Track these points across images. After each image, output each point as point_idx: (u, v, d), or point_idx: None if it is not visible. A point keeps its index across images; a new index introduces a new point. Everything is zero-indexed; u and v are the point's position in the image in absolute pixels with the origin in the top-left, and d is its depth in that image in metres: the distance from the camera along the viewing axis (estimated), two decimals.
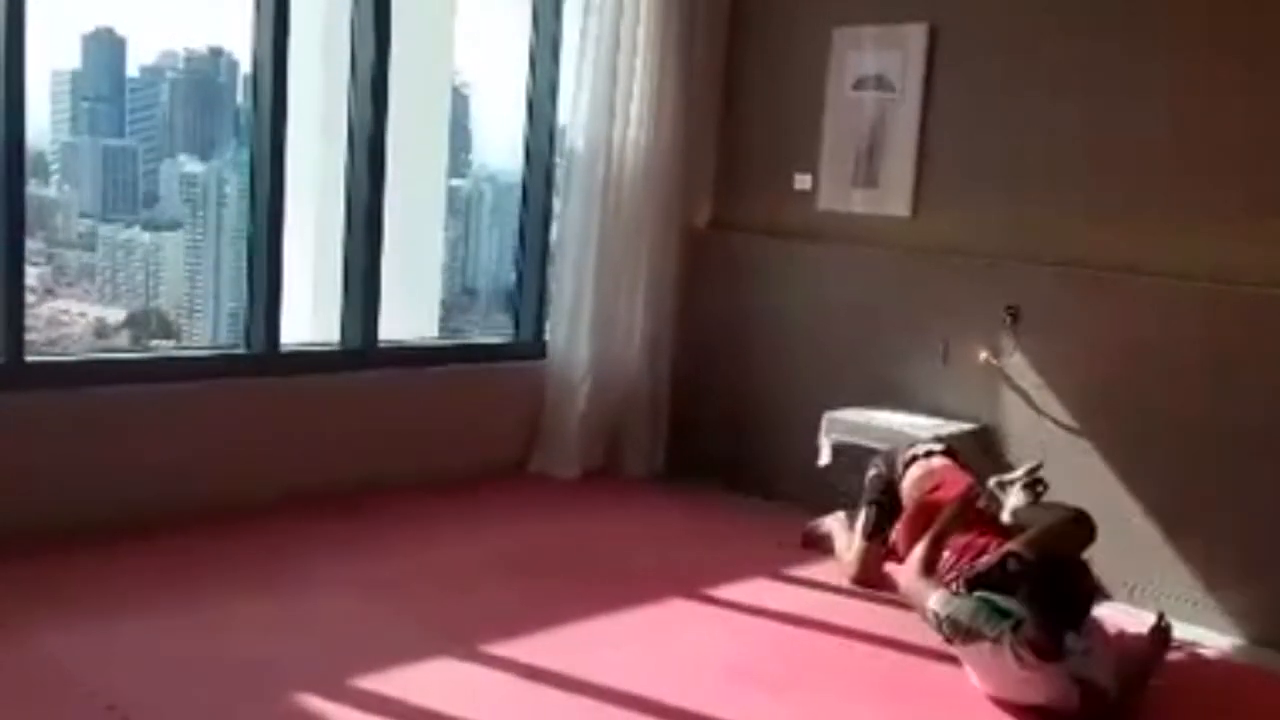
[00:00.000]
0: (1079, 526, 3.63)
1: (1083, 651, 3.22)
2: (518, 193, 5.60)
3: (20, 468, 3.92)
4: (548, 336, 5.46)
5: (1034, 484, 3.93)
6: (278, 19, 4.44)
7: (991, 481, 4.06)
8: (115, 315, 5.43)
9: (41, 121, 5.22)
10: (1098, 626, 3.45)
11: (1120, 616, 3.92)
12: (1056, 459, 4.24)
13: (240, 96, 5.19)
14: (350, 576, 3.97)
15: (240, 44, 4.71)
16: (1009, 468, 4.49)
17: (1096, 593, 3.47)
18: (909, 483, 4.14)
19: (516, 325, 5.61)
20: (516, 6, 5.44)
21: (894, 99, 4.99)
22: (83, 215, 5.50)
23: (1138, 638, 3.59)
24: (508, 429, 5.36)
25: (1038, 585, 3.29)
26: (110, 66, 5.45)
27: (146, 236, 5.54)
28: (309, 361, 4.81)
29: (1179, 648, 3.68)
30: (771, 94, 5.46)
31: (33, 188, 4.77)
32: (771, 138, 5.46)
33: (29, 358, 4.07)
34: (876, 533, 4.20)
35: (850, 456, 4.63)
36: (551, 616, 3.75)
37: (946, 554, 3.75)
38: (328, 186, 5.13)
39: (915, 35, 4.89)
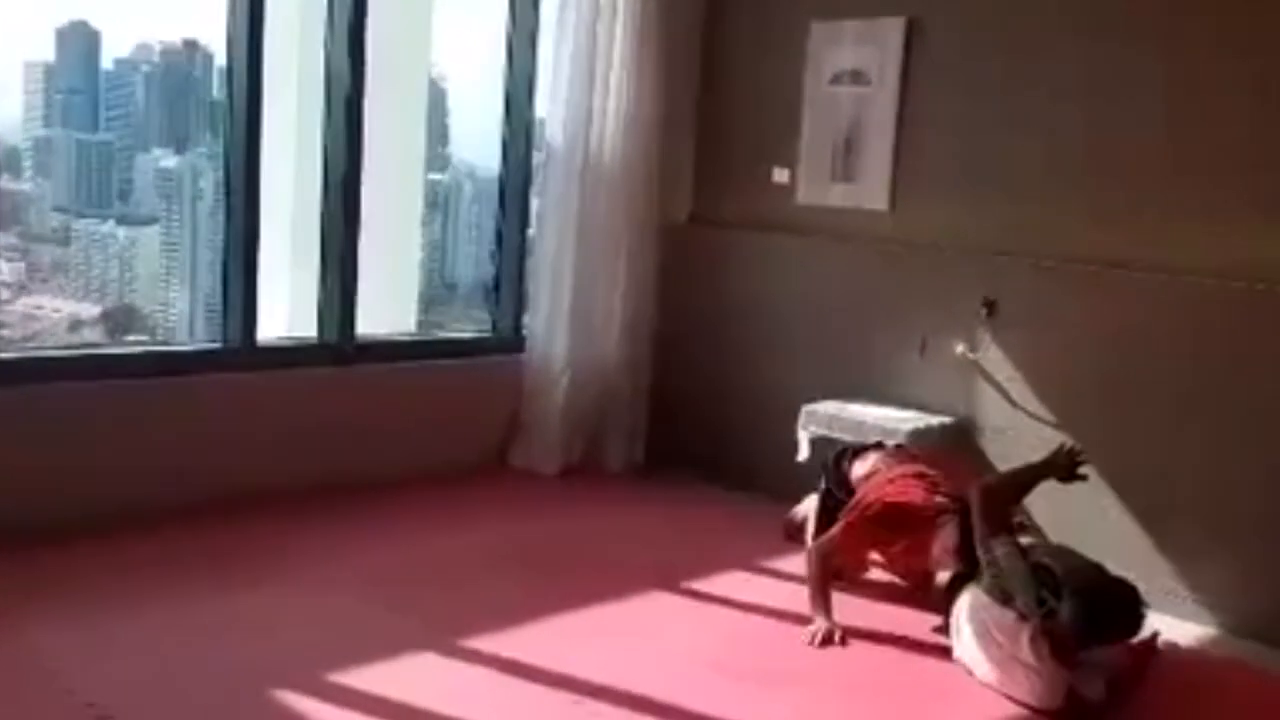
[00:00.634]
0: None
1: (1090, 665, 3.23)
2: (496, 187, 5.59)
3: None
4: (526, 331, 5.45)
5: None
6: (252, 11, 4.41)
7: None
8: (90, 311, 5.39)
9: (14, 115, 5.18)
10: None
11: None
12: (1033, 452, 4.25)
13: (216, 89, 5.16)
14: (328, 574, 3.96)
15: (215, 37, 4.68)
16: (988, 462, 4.53)
17: (1136, 629, 3.39)
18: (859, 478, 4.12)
19: (495, 320, 5.60)
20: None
21: (872, 93, 5.00)
22: (56, 210, 5.45)
23: (1126, 647, 3.59)
24: (487, 424, 5.35)
25: (1093, 591, 3.28)
26: (84, 59, 5.40)
27: (121, 231, 5.49)
28: (286, 357, 4.78)
29: (1154, 637, 3.69)
30: (750, 88, 5.47)
31: (5, 182, 4.74)
32: (750, 132, 5.46)
33: (2, 354, 4.04)
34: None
35: (827, 450, 4.65)
36: (532, 611, 3.74)
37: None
38: (304, 180, 5.11)
39: (893, 29, 4.90)
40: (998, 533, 3.49)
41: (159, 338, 5.38)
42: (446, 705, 3.10)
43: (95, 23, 5.33)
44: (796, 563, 4.33)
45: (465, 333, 5.83)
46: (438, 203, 6.36)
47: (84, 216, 5.49)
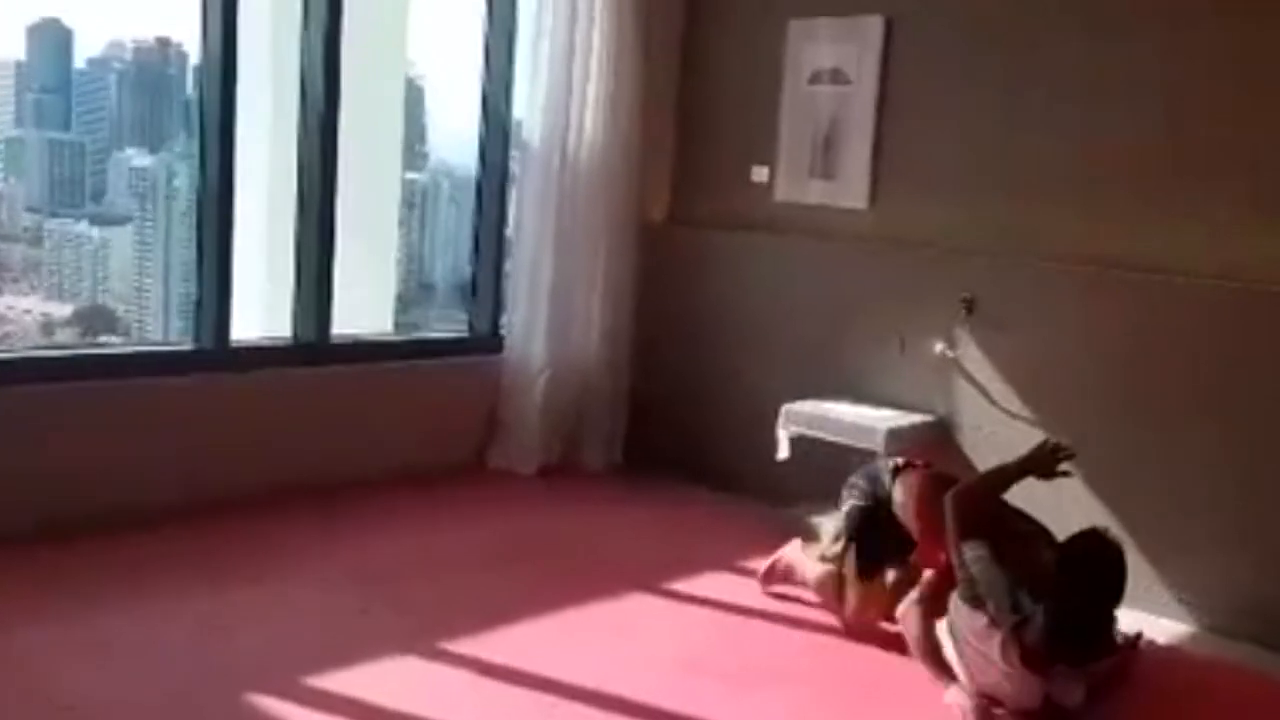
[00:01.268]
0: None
1: (1064, 676, 3.21)
2: (474, 186, 5.56)
3: None
4: (505, 331, 5.43)
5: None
6: (226, 9, 4.37)
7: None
8: (62, 311, 5.34)
9: None
10: None
11: None
12: (1010, 450, 4.25)
13: (190, 88, 5.11)
14: (304, 575, 3.93)
15: (189, 35, 4.64)
16: (967, 459, 4.53)
17: (1107, 654, 3.33)
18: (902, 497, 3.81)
19: (473, 320, 5.57)
20: None
21: (850, 91, 4.99)
22: (29, 210, 5.41)
23: None
24: (464, 424, 5.32)
25: (1064, 614, 3.16)
26: (56, 58, 5.37)
27: (95, 231, 5.45)
28: (260, 357, 4.73)
29: (1138, 637, 3.70)
30: (728, 87, 5.46)
31: None
32: (729, 130, 5.45)
33: None
34: (875, 570, 3.78)
35: (807, 449, 4.64)
36: (509, 612, 3.72)
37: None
38: (279, 179, 5.07)
39: (871, 28, 4.90)
40: (969, 537, 3.41)
41: (132, 338, 5.33)
42: (423, 708, 3.07)
43: (67, 21, 5.30)
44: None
45: (443, 333, 5.80)
46: (415, 202, 6.33)
47: (57, 216, 5.44)
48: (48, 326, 5.29)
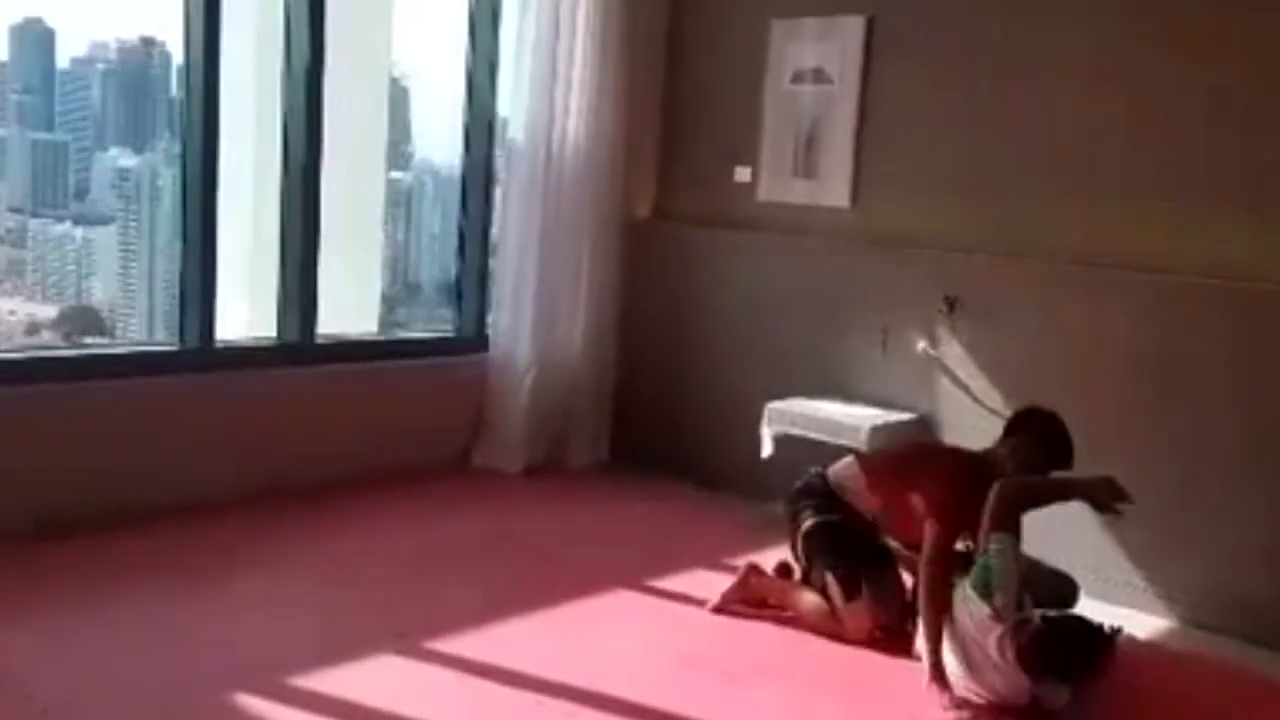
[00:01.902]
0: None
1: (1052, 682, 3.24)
2: (459, 185, 5.56)
3: None
4: (490, 330, 5.43)
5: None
6: (210, 8, 4.37)
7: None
8: (46, 312, 5.33)
9: None
10: None
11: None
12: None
13: (174, 88, 5.10)
14: (289, 575, 3.93)
15: (173, 35, 4.63)
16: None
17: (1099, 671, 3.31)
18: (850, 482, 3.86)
19: (458, 319, 5.57)
20: None
21: (832, 91, 5.01)
22: (12, 210, 5.38)
23: None
24: (450, 423, 5.33)
25: (1058, 629, 3.26)
26: (39, 58, 5.34)
27: (79, 231, 5.43)
28: (245, 357, 4.74)
29: (1118, 631, 3.71)
30: (712, 86, 5.48)
31: None
32: (712, 129, 5.47)
33: None
34: (854, 588, 3.71)
35: (792, 447, 4.66)
36: (497, 610, 3.73)
37: None
38: (263, 179, 5.06)
39: (853, 28, 4.92)
40: (1001, 529, 3.40)
41: (117, 339, 5.32)
42: (406, 707, 3.08)
43: (50, 21, 5.27)
44: (763, 560, 4.32)
45: (428, 332, 5.81)
46: (400, 201, 6.33)
47: (40, 217, 5.42)
48: (32, 327, 5.27)
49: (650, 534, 4.71)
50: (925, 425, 4.67)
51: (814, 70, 5.07)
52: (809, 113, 5.09)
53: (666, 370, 5.53)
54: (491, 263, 5.48)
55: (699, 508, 5.02)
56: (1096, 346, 4.26)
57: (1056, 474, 3.64)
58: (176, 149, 4.69)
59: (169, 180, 5.19)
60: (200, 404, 4.47)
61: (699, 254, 5.42)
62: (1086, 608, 3.73)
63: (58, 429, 4.10)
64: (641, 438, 5.56)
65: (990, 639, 3.26)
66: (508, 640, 3.54)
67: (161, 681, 3.11)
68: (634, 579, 4.11)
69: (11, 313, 5.25)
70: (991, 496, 3.49)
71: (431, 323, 6.04)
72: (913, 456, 4.01)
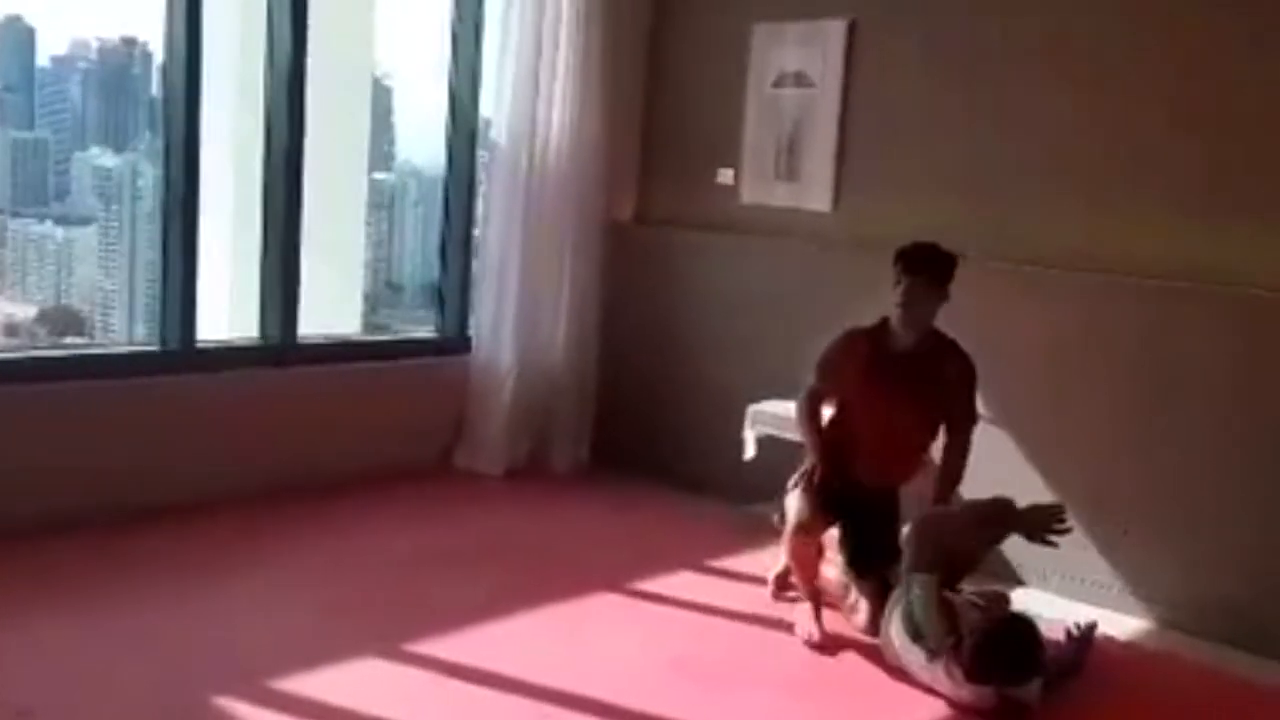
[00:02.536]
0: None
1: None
2: (442, 187, 5.56)
3: None
4: (472, 331, 5.43)
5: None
6: (191, 8, 4.35)
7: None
8: (26, 312, 5.30)
9: None
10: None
11: (1042, 609, 3.96)
12: (975, 449, 4.31)
13: (155, 87, 5.09)
14: (271, 578, 3.92)
15: (154, 34, 4.61)
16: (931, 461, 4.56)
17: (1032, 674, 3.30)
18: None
19: (441, 320, 5.56)
20: None
21: (814, 95, 5.03)
22: None
23: (1060, 643, 3.62)
24: (432, 425, 5.32)
25: (989, 637, 3.25)
26: (19, 56, 5.32)
27: (59, 231, 5.41)
28: (226, 358, 4.71)
29: (1092, 628, 3.74)
30: (694, 88, 5.49)
31: None
32: (694, 132, 5.48)
33: None
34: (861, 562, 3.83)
35: (774, 449, 4.66)
36: (477, 613, 3.73)
37: None
38: (245, 179, 5.05)
39: (834, 31, 4.93)
40: (920, 569, 3.42)
41: (97, 339, 5.29)
42: (387, 710, 3.07)
43: (30, 19, 5.25)
44: (746, 562, 4.35)
45: (410, 334, 5.80)
46: (383, 203, 6.32)
47: (20, 216, 5.40)
48: (11, 327, 5.25)
49: (633, 536, 4.71)
50: None
51: (796, 74, 5.09)
52: (791, 116, 5.11)
53: (648, 373, 5.53)
54: (474, 264, 5.47)
55: (681, 510, 5.02)
56: (1083, 350, 4.28)
57: (981, 504, 3.61)
58: (157, 148, 4.67)
59: (150, 180, 5.17)
60: (180, 405, 4.45)
61: (681, 256, 5.43)
62: (1068, 611, 3.74)
63: (34, 430, 4.08)
64: (623, 440, 5.56)
65: (938, 674, 3.30)
66: (491, 643, 3.54)
67: (141, 682, 3.10)
68: (617, 581, 4.11)
69: None
70: (909, 535, 3.54)
71: (414, 324, 6.04)
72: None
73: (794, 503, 3.81)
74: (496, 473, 5.30)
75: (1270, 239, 3.93)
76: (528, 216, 5.28)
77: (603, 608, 3.94)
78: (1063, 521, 3.53)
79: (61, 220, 5.42)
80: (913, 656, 3.39)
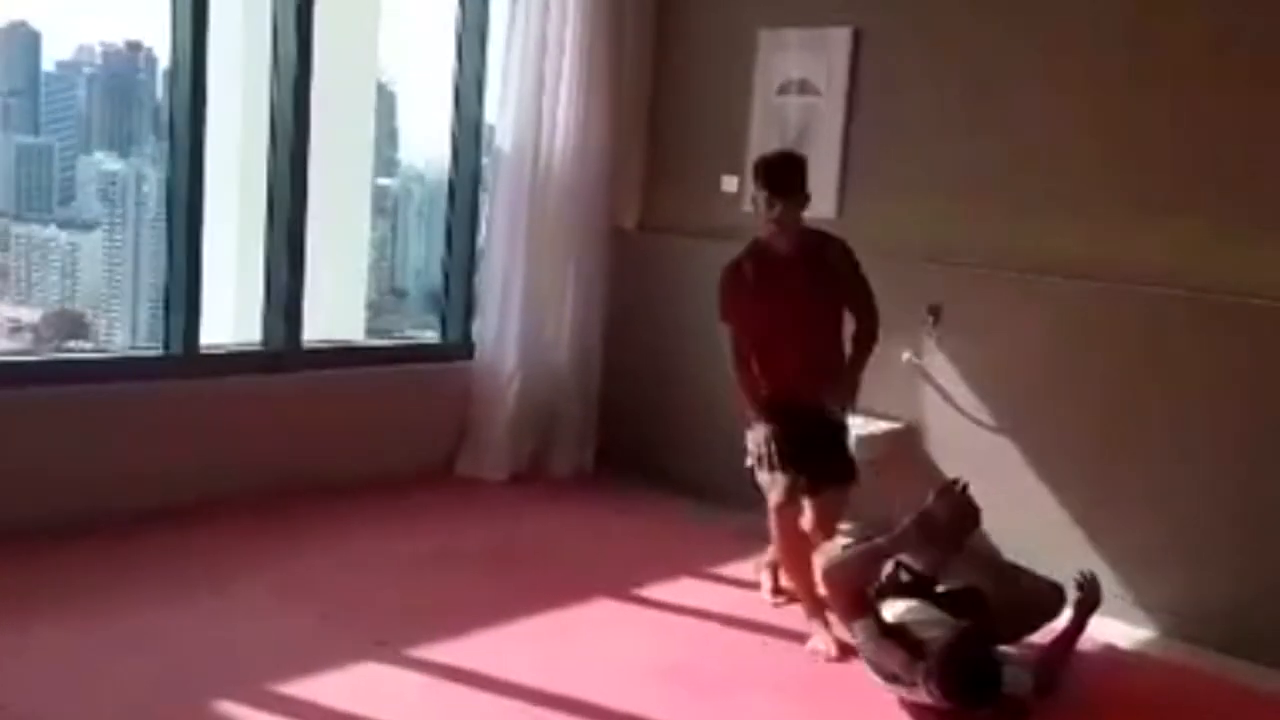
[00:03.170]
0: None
1: (1014, 669, 3.25)
2: (446, 192, 5.56)
3: None
4: (476, 337, 5.43)
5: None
6: (197, 13, 4.36)
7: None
8: (30, 316, 5.31)
9: None
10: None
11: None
12: (978, 456, 4.33)
13: (160, 92, 5.09)
14: (271, 581, 3.92)
15: (160, 38, 4.62)
16: (934, 466, 4.56)
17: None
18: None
19: (444, 326, 5.57)
20: (443, 1, 5.40)
21: (818, 102, 5.03)
22: None
23: (1045, 644, 3.61)
24: (435, 431, 5.32)
25: (950, 661, 3.20)
26: (24, 61, 5.33)
27: (63, 235, 5.41)
28: (229, 363, 4.72)
29: (1082, 625, 3.72)
30: (699, 96, 5.49)
31: None
32: (699, 139, 5.48)
33: None
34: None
35: None
36: (477, 618, 3.73)
37: None
38: (249, 184, 5.06)
39: (839, 39, 4.94)
40: (855, 618, 3.41)
41: (101, 344, 5.30)
42: (386, 713, 3.07)
43: (35, 23, 5.25)
44: (747, 569, 4.34)
45: (414, 339, 5.80)
46: (387, 208, 6.33)
47: (24, 221, 5.40)
48: (15, 332, 5.25)
49: (635, 542, 4.71)
50: (910, 434, 4.68)
51: (800, 81, 5.09)
52: (795, 123, 5.11)
53: (652, 379, 5.53)
54: (478, 269, 5.47)
55: (683, 516, 5.02)
56: (1083, 356, 4.28)
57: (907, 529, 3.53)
58: (162, 153, 4.67)
59: (154, 185, 5.18)
60: (183, 410, 4.45)
61: (685, 263, 5.42)
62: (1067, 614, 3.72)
63: (37, 433, 4.09)
64: (627, 445, 5.56)
65: (920, 695, 3.27)
66: (491, 647, 3.54)
67: (138, 687, 3.10)
68: (618, 587, 4.11)
69: None
70: (826, 592, 3.56)
71: (417, 329, 6.04)
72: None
73: (764, 476, 3.85)
74: (500, 478, 5.30)
75: (1271, 246, 3.93)
76: (532, 222, 5.29)
77: (604, 613, 3.94)
78: (965, 491, 3.53)
79: (66, 225, 5.42)
80: (899, 691, 3.36)
